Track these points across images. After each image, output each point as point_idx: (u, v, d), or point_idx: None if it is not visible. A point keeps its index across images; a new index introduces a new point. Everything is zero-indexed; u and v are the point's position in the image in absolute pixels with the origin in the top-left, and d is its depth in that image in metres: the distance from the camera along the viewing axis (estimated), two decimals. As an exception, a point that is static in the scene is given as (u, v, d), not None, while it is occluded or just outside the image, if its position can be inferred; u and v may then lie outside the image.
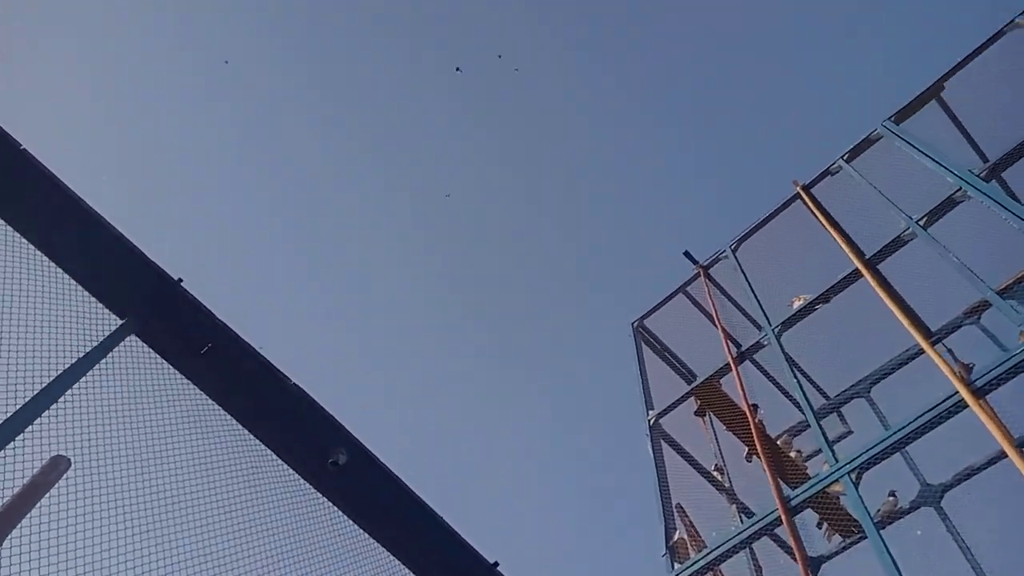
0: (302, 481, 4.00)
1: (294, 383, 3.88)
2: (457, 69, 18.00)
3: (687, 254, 10.45)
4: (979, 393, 5.56)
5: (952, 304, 9.51)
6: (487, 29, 21.77)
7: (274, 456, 3.99)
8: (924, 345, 6.26)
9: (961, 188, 7.14)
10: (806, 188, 9.29)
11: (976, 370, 5.78)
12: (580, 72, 22.38)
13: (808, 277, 9.94)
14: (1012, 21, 8.31)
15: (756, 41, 20.82)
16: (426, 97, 22.21)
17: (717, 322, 9.47)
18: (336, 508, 3.86)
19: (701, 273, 10.25)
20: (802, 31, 20.53)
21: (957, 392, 5.59)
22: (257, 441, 3.96)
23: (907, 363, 9.38)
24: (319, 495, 3.86)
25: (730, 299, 10.33)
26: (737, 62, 21.17)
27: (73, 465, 3.14)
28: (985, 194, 6.83)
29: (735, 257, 9.74)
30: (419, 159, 23.06)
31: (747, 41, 20.97)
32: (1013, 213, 6.45)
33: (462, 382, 23.17)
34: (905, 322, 6.64)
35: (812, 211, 9.01)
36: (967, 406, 5.56)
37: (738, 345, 9.55)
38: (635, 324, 10.47)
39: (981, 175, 7.46)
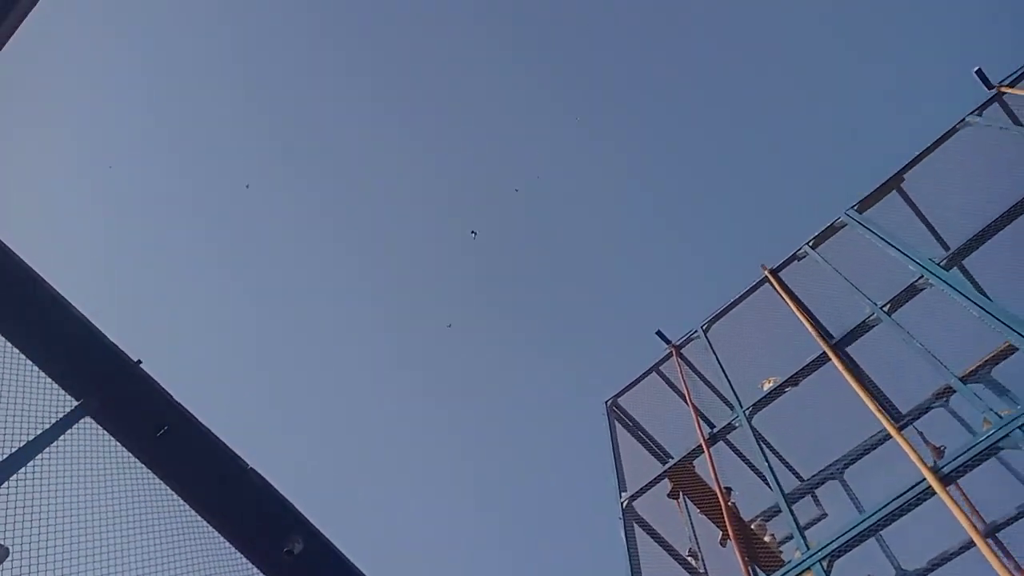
0: (256, 571, 3.87)
1: (251, 468, 3.79)
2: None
3: (659, 333, 10.53)
4: (946, 480, 5.56)
5: (924, 385, 9.64)
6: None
7: (228, 544, 3.86)
8: (891, 431, 6.30)
9: (923, 276, 7.33)
10: (774, 272, 9.49)
11: (945, 456, 5.80)
12: (556, 153, 22.99)
13: (779, 357, 10.04)
14: (963, 120, 8.74)
15: (727, 130, 21.63)
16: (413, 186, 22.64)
17: (689, 402, 9.47)
18: (290, 600, 3.72)
19: (674, 352, 10.30)
20: (771, 121, 21.38)
21: (925, 479, 5.59)
22: (211, 529, 3.84)
23: (878, 446, 9.40)
24: (273, 586, 3.72)
25: (702, 378, 10.36)
26: (710, 152, 21.92)
27: (11, 555, 3.02)
28: (945, 282, 7.00)
29: (706, 337, 9.83)
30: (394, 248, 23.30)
31: (719, 130, 21.79)
32: (972, 301, 6.61)
33: (427, 463, 22.79)
34: (872, 407, 6.69)
35: (780, 294, 9.17)
36: (935, 492, 5.56)
37: (711, 425, 9.52)
38: (608, 403, 10.44)
39: (942, 263, 7.67)
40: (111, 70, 21.28)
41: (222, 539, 3.83)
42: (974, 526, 4.93)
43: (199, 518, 3.81)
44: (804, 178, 21.13)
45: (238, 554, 3.85)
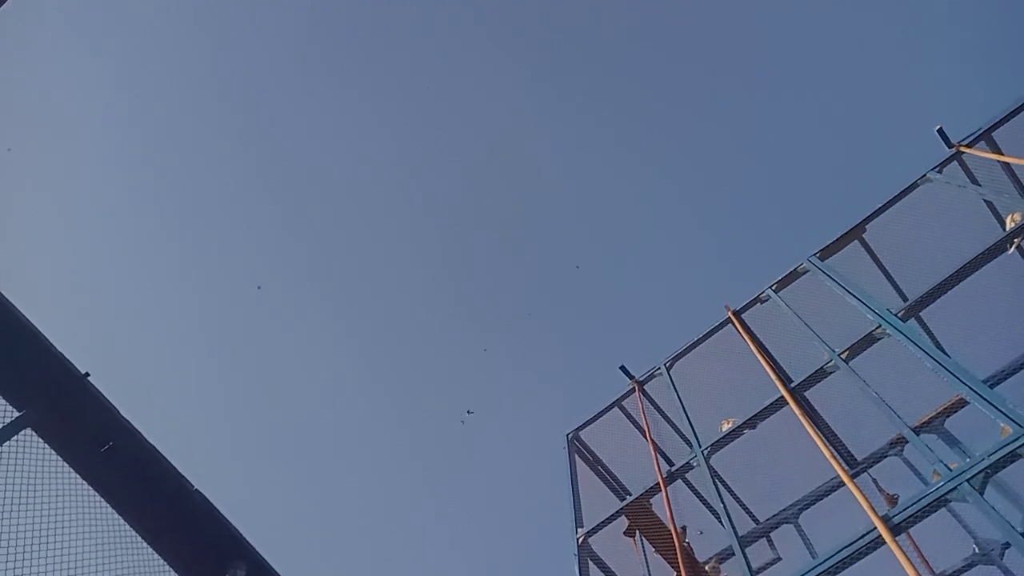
0: (195, 597, 3.76)
1: (196, 489, 3.70)
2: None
3: (623, 368, 10.57)
4: (896, 530, 5.63)
5: (880, 433, 9.79)
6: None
7: (168, 569, 3.75)
8: (844, 478, 6.38)
9: (880, 325, 7.48)
10: (737, 313, 9.62)
11: (892, 509, 5.87)
12: (532, 178, 23.16)
13: (740, 398, 10.14)
14: (924, 176, 9.02)
15: (701, 168, 22.05)
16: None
17: (648, 439, 9.49)
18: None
19: (636, 388, 10.34)
20: (743, 161, 21.86)
21: (875, 528, 5.64)
22: (153, 552, 3.72)
23: (833, 491, 9.50)
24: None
25: (663, 416, 10.40)
26: (683, 189, 22.30)
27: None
28: (902, 333, 7.16)
29: (669, 375, 9.89)
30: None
31: (692, 168, 22.19)
32: (927, 353, 6.76)
33: (378, 486, 22.47)
34: (827, 454, 6.78)
35: (742, 335, 9.28)
36: (885, 542, 5.61)
37: (670, 463, 9.53)
38: (569, 435, 10.41)
39: (899, 314, 7.83)
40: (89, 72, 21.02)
41: (163, 563, 3.72)
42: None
43: (140, 539, 3.70)
44: (774, 220, 21.58)
45: (178, 579, 3.74)
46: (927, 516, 5.66)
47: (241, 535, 3.77)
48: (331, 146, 22.32)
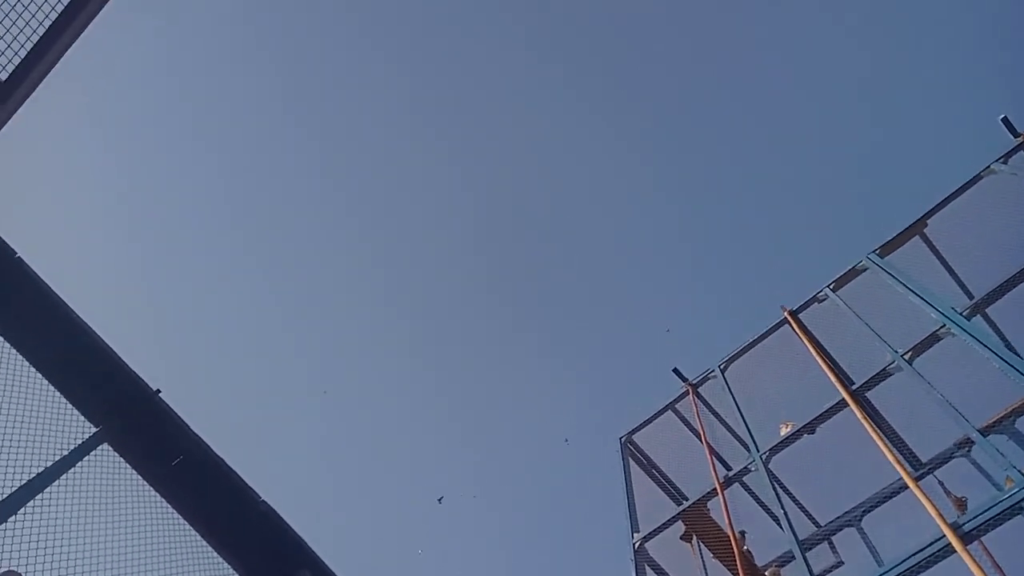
0: (263, 603, 3.88)
1: (263, 500, 3.82)
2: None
3: (676, 371, 10.46)
4: (967, 538, 5.44)
5: (946, 433, 9.46)
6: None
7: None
8: (909, 482, 6.19)
9: (945, 325, 7.24)
10: (793, 313, 9.42)
11: (966, 514, 5.68)
12: (581, 175, 23.08)
13: (797, 400, 9.93)
14: (988, 167, 8.69)
15: (753, 166, 21.63)
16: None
17: (704, 442, 9.37)
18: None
19: (690, 391, 10.22)
20: (795, 157, 21.36)
21: (944, 535, 5.47)
22: (221, 560, 3.86)
23: (897, 494, 9.22)
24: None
25: (719, 418, 10.26)
26: (737, 188, 21.91)
27: (24, 582, 3.05)
28: (967, 332, 6.92)
29: (723, 377, 9.75)
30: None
31: (744, 165, 21.79)
32: (994, 352, 6.52)
33: (438, 488, 22.64)
34: (890, 457, 6.59)
35: (799, 336, 9.09)
36: (955, 550, 5.44)
37: (727, 467, 9.40)
38: (623, 439, 10.36)
39: (964, 312, 7.57)
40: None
41: (231, 571, 3.85)
42: (994, 587, 4.81)
43: (210, 548, 3.83)
44: (828, 219, 21.02)
45: (246, 586, 3.87)
46: (1000, 524, 5.45)
47: (305, 543, 3.87)
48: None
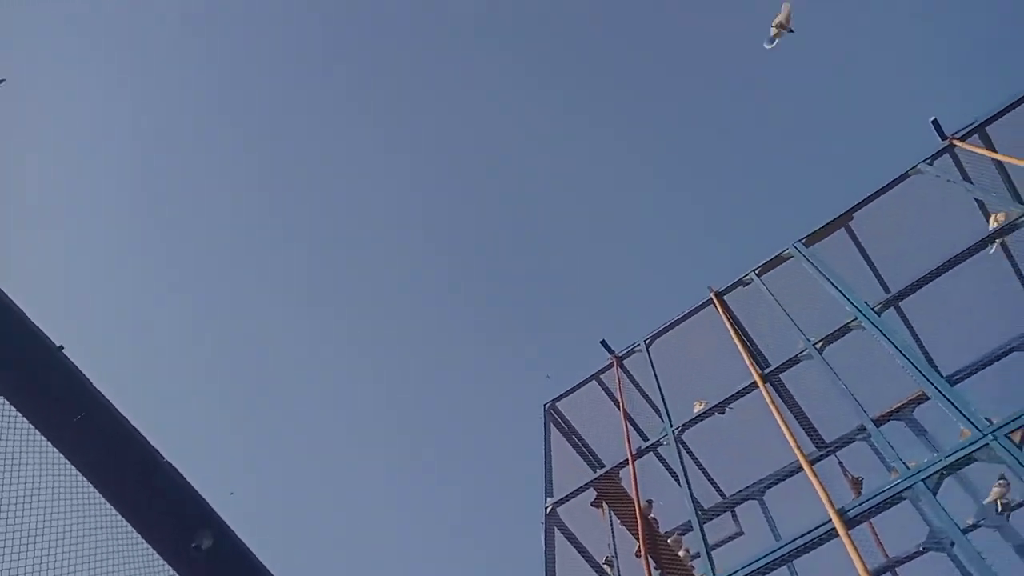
0: (163, 563, 3.89)
1: (166, 461, 3.80)
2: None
3: (604, 343, 10.69)
4: (851, 523, 5.81)
5: (852, 416, 9.98)
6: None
7: (136, 534, 3.87)
8: (805, 467, 6.55)
9: (856, 318, 7.58)
10: (719, 295, 9.70)
11: (849, 502, 6.05)
12: (526, 153, 22.95)
13: (718, 377, 10.30)
14: (915, 167, 9.01)
15: (698, 148, 21.88)
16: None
17: (622, 413, 9.66)
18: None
19: (615, 363, 10.48)
20: (742, 147, 21.68)
21: (830, 520, 5.83)
22: (122, 519, 3.84)
23: (798, 471, 9.74)
24: (178, 579, 3.75)
25: (641, 391, 10.56)
26: (680, 168, 22.15)
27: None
28: (876, 327, 7.27)
29: (648, 351, 10.02)
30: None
31: (690, 148, 22.03)
32: (898, 349, 6.88)
33: (355, 450, 22.78)
34: (791, 441, 6.94)
35: (722, 317, 9.39)
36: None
37: (644, 438, 9.72)
38: (547, 406, 10.58)
39: (878, 306, 7.93)
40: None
41: (133, 530, 3.84)
42: (867, 570, 5.18)
43: (111, 507, 3.81)
44: (769, 205, 21.53)
45: (148, 547, 3.87)
46: (881, 512, 5.84)
47: (208, 505, 3.87)
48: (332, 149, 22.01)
